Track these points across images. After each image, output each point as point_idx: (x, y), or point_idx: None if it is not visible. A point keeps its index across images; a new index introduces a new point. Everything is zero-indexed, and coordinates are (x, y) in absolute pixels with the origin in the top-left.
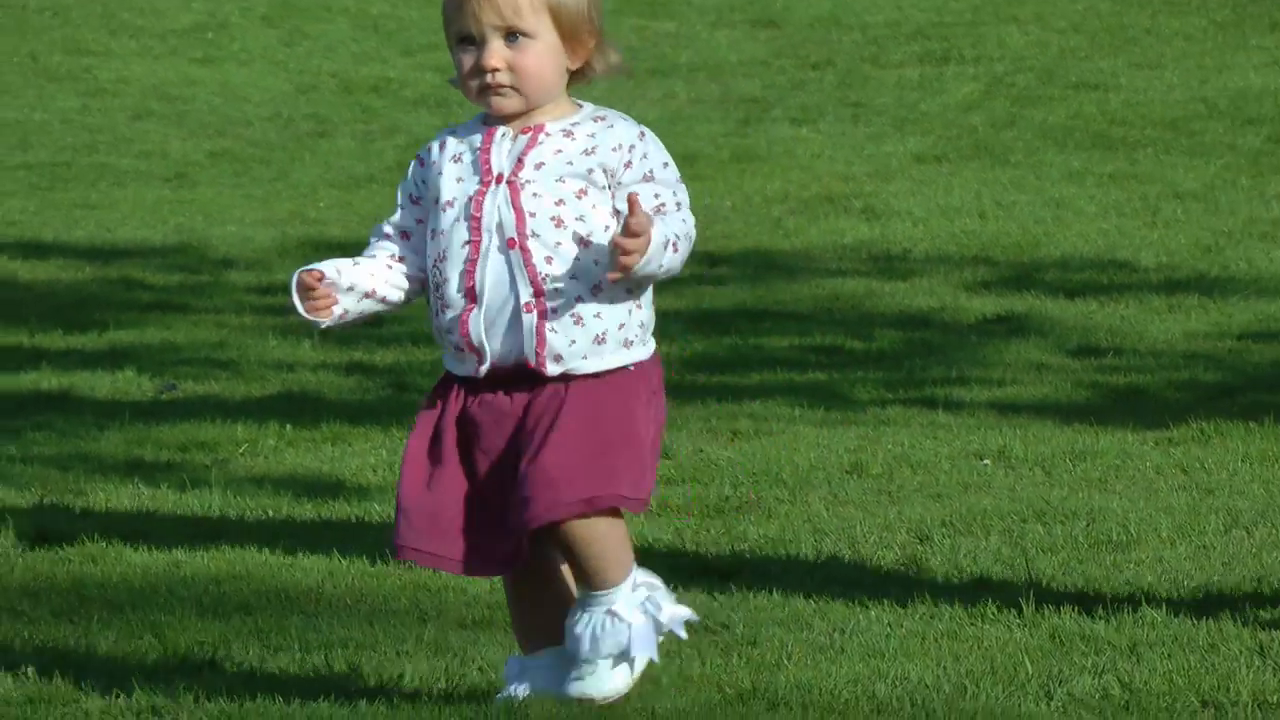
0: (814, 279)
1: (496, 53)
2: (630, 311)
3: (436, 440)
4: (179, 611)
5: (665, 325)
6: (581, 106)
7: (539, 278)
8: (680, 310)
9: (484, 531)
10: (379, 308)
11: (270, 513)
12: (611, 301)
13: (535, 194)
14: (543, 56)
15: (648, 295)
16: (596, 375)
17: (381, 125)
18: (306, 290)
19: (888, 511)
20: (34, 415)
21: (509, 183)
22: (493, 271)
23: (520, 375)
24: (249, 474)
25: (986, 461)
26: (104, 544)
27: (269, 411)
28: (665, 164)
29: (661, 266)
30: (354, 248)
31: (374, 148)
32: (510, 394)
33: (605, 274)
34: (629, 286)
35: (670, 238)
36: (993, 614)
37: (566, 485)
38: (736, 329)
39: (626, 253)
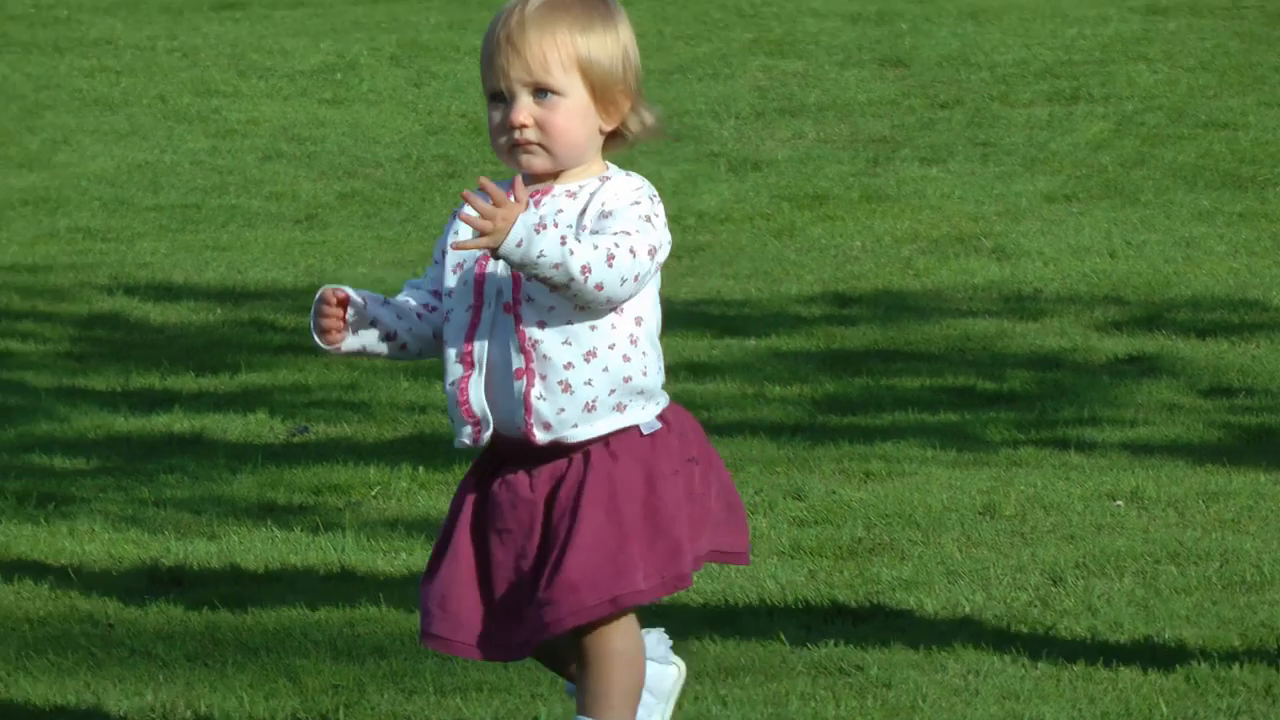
0: (944, 319)
1: (525, 109)
2: (628, 379)
3: (454, 521)
4: (313, 655)
5: (796, 366)
6: (608, 168)
7: (528, 344)
8: (811, 351)
9: (498, 618)
10: (394, 353)
11: (403, 555)
12: (605, 369)
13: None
14: (571, 115)
15: (650, 361)
16: (607, 446)
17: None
18: (324, 306)
19: (1020, 553)
20: (166, 458)
21: None
22: (491, 337)
23: (534, 450)
24: (381, 516)
25: (1119, 503)
26: (237, 587)
27: (401, 454)
28: (635, 203)
29: (542, 255)
30: None
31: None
32: (531, 474)
33: (598, 339)
34: (621, 353)
35: (550, 228)
36: (1127, 656)
37: (589, 589)
38: (868, 369)
39: (477, 213)
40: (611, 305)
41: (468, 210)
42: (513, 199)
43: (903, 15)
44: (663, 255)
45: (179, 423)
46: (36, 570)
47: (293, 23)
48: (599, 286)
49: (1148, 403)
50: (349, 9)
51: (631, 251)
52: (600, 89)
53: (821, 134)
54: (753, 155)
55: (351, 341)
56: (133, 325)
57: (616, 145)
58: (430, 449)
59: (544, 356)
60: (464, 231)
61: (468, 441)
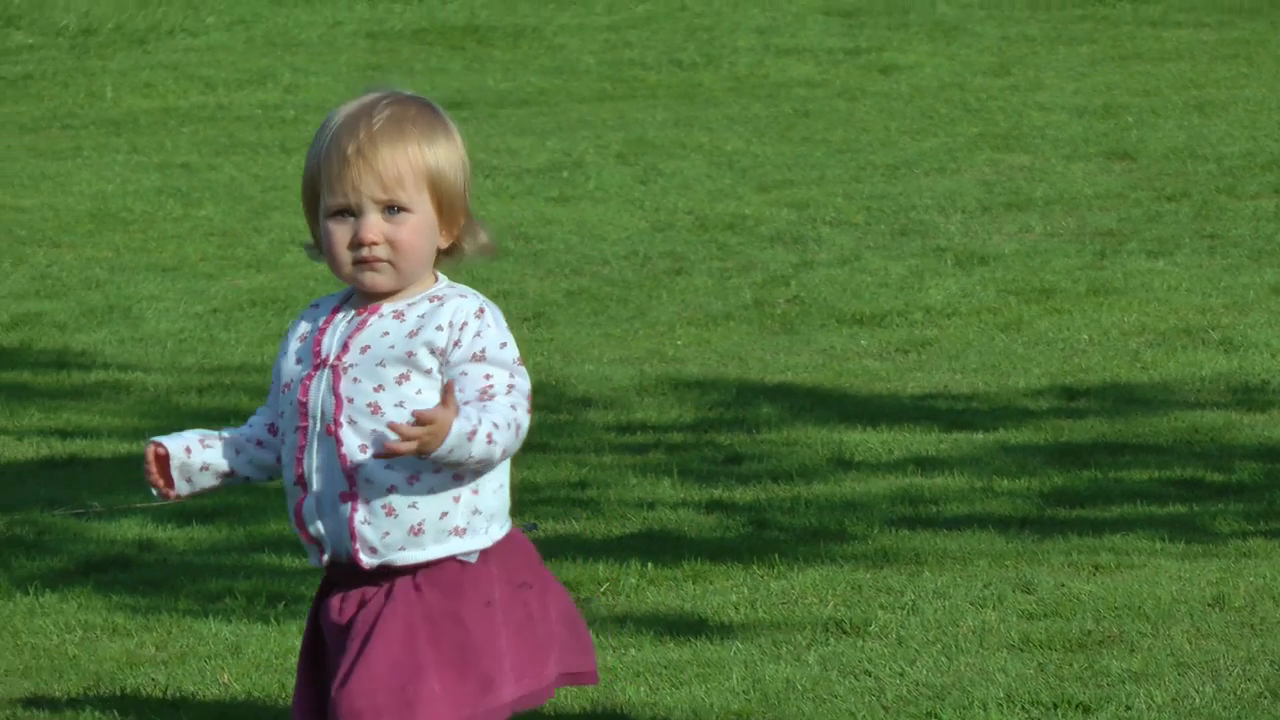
0: (1172, 411)
1: (375, 226)
2: (458, 499)
3: (303, 648)
4: None
5: (1024, 459)
6: (437, 280)
7: (350, 467)
8: (1039, 444)
9: None
10: (238, 483)
11: (632, 651)
12: (431, 491)
13: (355, 379)
14: (418, 231)
15: (491, 480)
16: (416, 575)
17: (737, 262)
18: (146, 464)
19: (1250, 644)
20: None
21: (332, 367)
22: (318, 459)
23: (364, 573)
24: (610, 613)
25: None
26: None
27: (630, 550)
28: (503, 344)
29: (471, 456)
30: (711, 386)
31: (730, 284)
32: (344, 597)
33: (422, 461)
34: (452, 473)
35: (478, 427)
36: None
37: (372, 717)
38: (1096, 462)
39: (405, 438)
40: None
41: (393, 440)
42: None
43: (1129, 108)
44: None
45: None
46: (267, 669)
47: (519, 121)
48: (504, 453)
49: None
50: (575, 107)
51: (528, 410)
52: (445, 204)
53: (1048, 227)
54: (979, 249)
55: (184, 487)
56: None
57: (445, 261)
58: (659, 545)
59: (366, 480)
60: (289, 353)
61: (314, 563)
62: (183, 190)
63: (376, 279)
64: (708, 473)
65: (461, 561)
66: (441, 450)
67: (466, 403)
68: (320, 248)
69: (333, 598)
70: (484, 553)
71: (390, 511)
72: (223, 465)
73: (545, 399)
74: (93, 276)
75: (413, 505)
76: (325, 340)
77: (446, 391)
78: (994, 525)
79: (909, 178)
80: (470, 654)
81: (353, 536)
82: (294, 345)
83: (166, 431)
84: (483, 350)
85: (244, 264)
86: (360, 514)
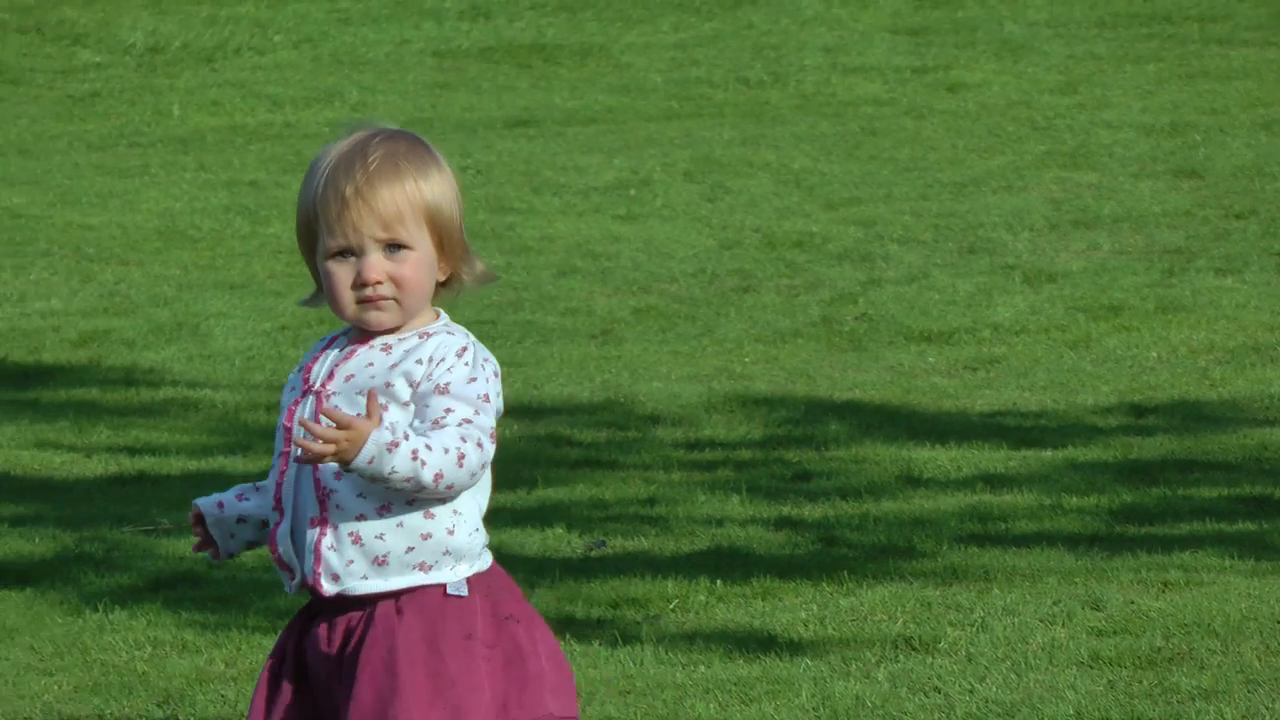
0: (1241, 429)
1: (377, 265)
2: (428, 536)
3: (279, 667)
4: None
5: (1093, 477)
6: (438, 317)
7: (322, 492)
8: (1108, 461)
9: None
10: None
11: (701, 668)
12: (400, 525)
13: (335, 406)
14: (420, 267)
15: (461, 520)
16: (396, 603)
17: (805, 280)
18: (194, 527)
19: None
20: None
21: (315, 393)
22: (296, 485)
23: (331, 601)
24: (680, 630)
25: None
26: None
27: (699, 567)
28: (470, 380)
29: (395, 471)
30: (779, 404)
31: (798, 302)
32: (330, 627)
33: (389, 492)
34: (422, 510)
35: (403, 442)
36: None
37: None
38: (1165, 479)
39: (322, 439)
40: (454, 496)
41: (306, 438)
42: (361, 415)
43: (1196, 126)
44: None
45: None
46: None
47: (586, 139)
48: (450, 487)
49: None
50: (642, 125)
51: (479, 444)
52: (444, 238)
53: (1116, 245)
54: (1047, 267)
55: (230, 545)
56: None
57: (443, 294)
58: (728, 562)
59: (337, 506)
60: (288, 383)
61: (288, 591)
62: (250, 208)
63: (381, 317)
64: (776, 490)
65: (449, 593)
66: (360, 460)
67: (418, 422)
68: (320, 289)
69: (318, 627)
70: (471, 587)
71: (357, 539)
72: (259, 515)
73: (613, 416)
74: (161, 294)
75: (379, 536)
76: (315, 369)
77: (370, 400)
78: (1063, 542)
79: (976, 195)
80: (441, 682)
81: (317, 561)
82: (292, 376)
83: (234, 448)
84: (447, 384)
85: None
86: (327, 539)
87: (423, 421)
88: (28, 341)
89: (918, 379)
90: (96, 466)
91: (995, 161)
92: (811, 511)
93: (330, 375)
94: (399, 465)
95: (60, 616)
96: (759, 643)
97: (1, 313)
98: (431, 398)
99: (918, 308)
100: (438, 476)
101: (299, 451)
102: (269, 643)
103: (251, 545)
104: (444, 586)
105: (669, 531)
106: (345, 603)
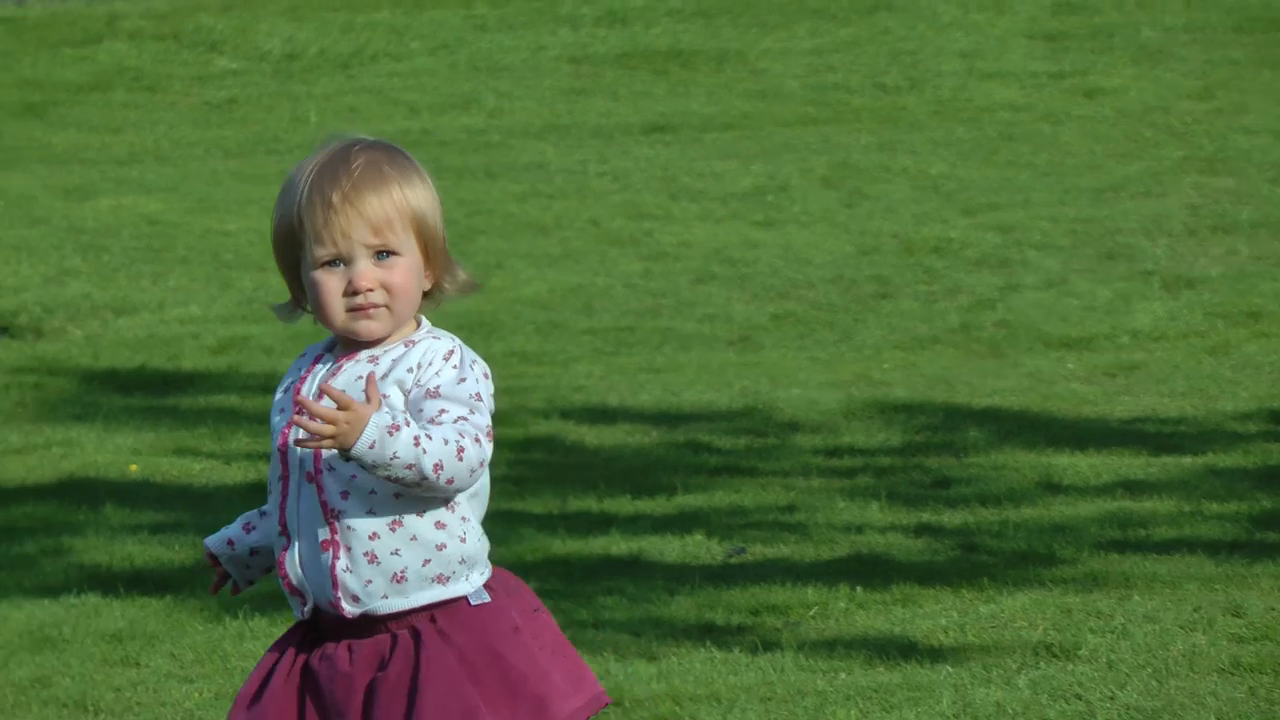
0: None
1: (369, 272)
2: (442, 547)
3: (265, 686)
4: None
5: (1233, 483)
6: (419, 324)
7: (331, 514)
8: (1248, 468)
9: None
10: None
11: (842, 675)
12: (414, 538)
13: (338, 388)
14: (409, 274)
15: (470, 526)
16: (435, 624)
17: (943, 286)
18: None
19: None
20: (605, 580)
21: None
22: (301, 508)
23: (351, 624)
24: (820, 636)
25: None
26: (676, 707)
27: (838, 574)
28: (461, 380)
29: (397, 456)
30: (918, 410)
31: (936, 308)
32: (351, 650)
33: (404, 506)
34: (433, 520)
35: (404, 426)
36: None
37: None
38: None
39: (323, 419)
40: (454, 493)
41: (305, 418)
42: (364, 398)
43: None
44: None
45: (616, 545)
46: None
47: (723, 145)
48: (450, 481)
49: None
50: (779, 131)
51: (476, 440)
52: (429, 245)
53: (1255, 251)
54: (1186, 273)
55: (247, 575)
56: (569, 448)
57: (426, 303)
58: (868, 569)
59: (348, 527)
60: (275, 404)
61: (299, 615)
62: None
63: (372, 326)
64: (916, 496)
65: (473, 603)
66: (361, 444)
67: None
68: (300, 303)
69: (336, 649)
70: (492, 591)
71: (372, 559)
72: (268, 544)
73: (752, 423)
74: None
75: (395, 552)
76: (304, 389)
77: (369, 384)
78: (1203, 549)
79: (1114, 201)
80: (515, 682)
81: (334, 584)
82: (279, 396)
83: None
84: (437, 387)
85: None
86: (342, 561)
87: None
88: (167, 349)
89: (1057, 385)
90: (236, 473)
91: (1133, 167)
92: (951, 518)
93: (320, 393)
94: (401, 450)
95: (200, 624)
96: (899, 649)
97: (140, 320)
98: (424, 401)
99: (1056, 314)
100: (437, 467)
101: (298, 434)
102: None
103: (269, 569)
104: (465, 599)
105: (809, 538)
106: (367, 624)
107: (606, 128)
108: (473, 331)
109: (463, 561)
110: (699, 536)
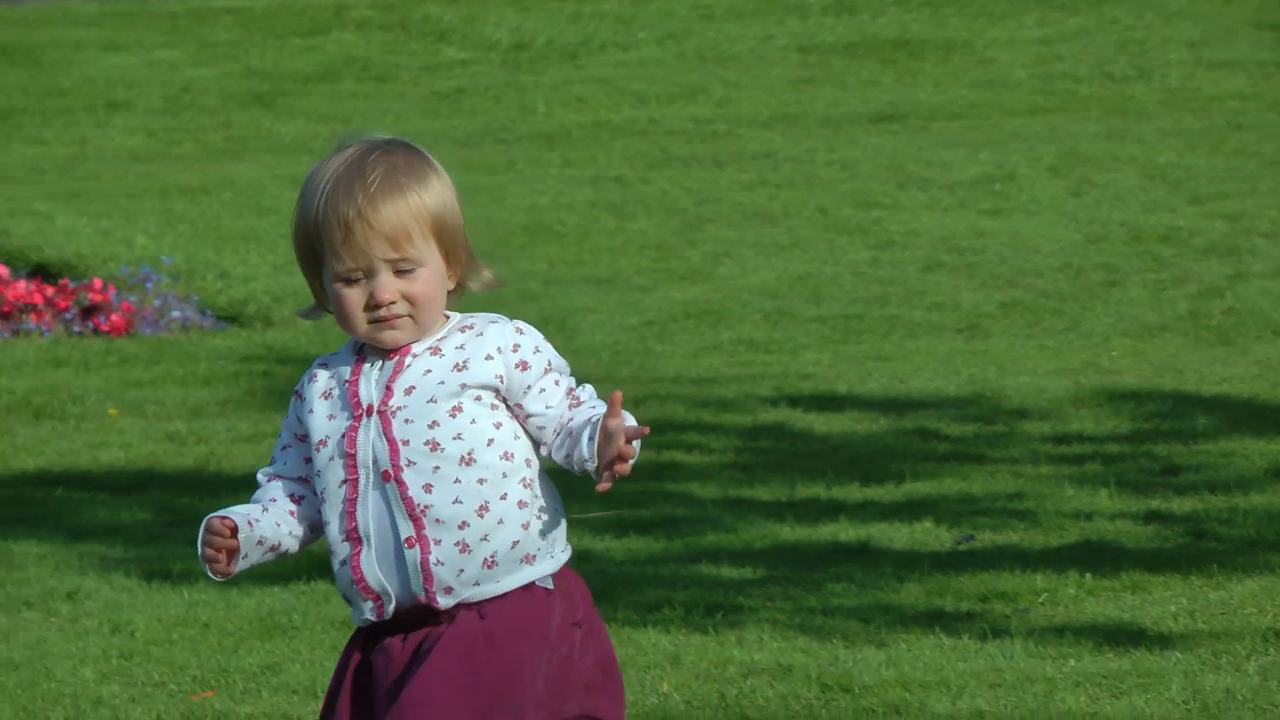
0: None
1: (390, 285)
2: (526, 526)
3: (335, 698)
4: None
5: None
6: (449, 318)
7: (417, 510)
8: None
9: None
10: (274, 558)
11: (1071, 662)
12: (501, 521)
13: (407, 420)
14: (431, 282)
15: (548, 501)
16: (482, 604)
17: (1172, 274)
18: (212, 536)
19: None
20: (833, 566)
21: (380, 413)
22: (374, 509)
23: (422, 614)
24: (1049, 623)
25: None
26: (905, 693)
27: (1068, 560)
28: (537, 349)
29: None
30: (1147, 398)
31: (1165, 296)
32: (405, 637)
33: (488, 491)
34: (516, 500)
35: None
36: None
37: None
38: None
39: (624, 459)
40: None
41: (628, 449)
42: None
43: None
44: None
45: (845, 532)
46: (706, 679)
47: (951, 134)
48: None
49: None
50: (1007, 120)
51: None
52: (449, 246)
53: None
54: None
55: (241, 565)
56: (797, 435)
57: (450, 300)
58: (1097, 556)
59: (436, 520)
60: (317, 410)
61: (370, 618)
62: (615, 203)
63: (396, 335)
64: (1145, 483)
65: (529, 589)
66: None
67: (549, 407)
68: (323, 304)
69: (392, 639)
70: (555, 583)
71: (464, 548)
72: (273, 537)
73: (980, 410)
74: (528, 289)
75: (484, 538)
76: (362, 390)
77: (614, 404)
78: None
79: None
80: (502, 686)
81: (427, 579)
82: (319, 403)
83: None
84: (549, 363)
85: (677, 276)
86: (433, 555)
87: (551, 406)
88: None
89: None
90: None
91: None
92: (1180, 505)
93: (388, 392)
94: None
95: None
96: (1128, 636)
97: None
98: (542, 380)
99: None
100: None
101: (312, 416)
102: (639, 636)
103: (250, 570)
104: (532, 584)
105: (1037, 525)
106: (428, 614)
107: (834, 117)
108: (700, 319)
109: (545, 537)
110: (928, 523)
